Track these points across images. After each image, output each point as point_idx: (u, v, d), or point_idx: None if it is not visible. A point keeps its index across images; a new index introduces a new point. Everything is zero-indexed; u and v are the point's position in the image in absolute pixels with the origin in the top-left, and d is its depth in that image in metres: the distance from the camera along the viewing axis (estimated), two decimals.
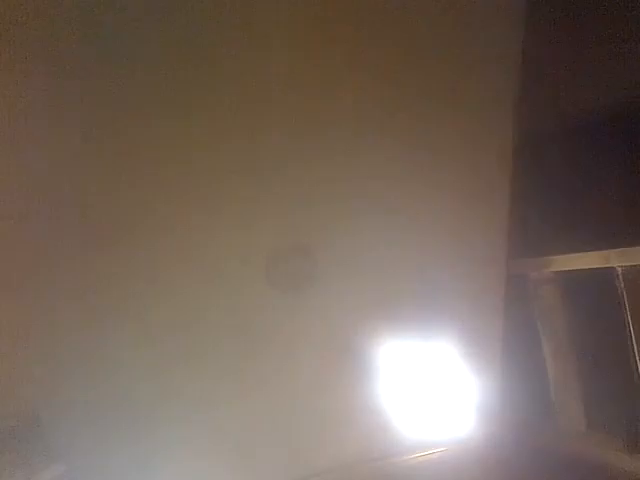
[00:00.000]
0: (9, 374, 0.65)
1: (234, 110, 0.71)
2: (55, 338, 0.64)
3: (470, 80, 0.81)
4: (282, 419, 0.72)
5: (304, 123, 0.75)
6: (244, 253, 0.75)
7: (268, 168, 0.74)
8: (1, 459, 0.60)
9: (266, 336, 0.74)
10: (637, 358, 0.75)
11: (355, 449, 0.83)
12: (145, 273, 0.68)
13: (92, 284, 0.65)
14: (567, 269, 0.84)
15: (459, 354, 0.88)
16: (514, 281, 0.89)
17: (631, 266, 0.75)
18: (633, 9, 0.72)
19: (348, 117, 0.77)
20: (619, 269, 0.76)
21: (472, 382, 0.90)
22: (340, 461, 0.78)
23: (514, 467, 0.87)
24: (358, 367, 0.83)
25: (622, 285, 0.76)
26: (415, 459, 0.90)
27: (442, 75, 0.79)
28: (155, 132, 0.68)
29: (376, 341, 0.84)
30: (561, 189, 0.86)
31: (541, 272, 0.88)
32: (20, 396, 0.66)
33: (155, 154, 0.69)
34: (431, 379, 0.88)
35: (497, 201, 0.88)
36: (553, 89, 0.83)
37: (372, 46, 0.75)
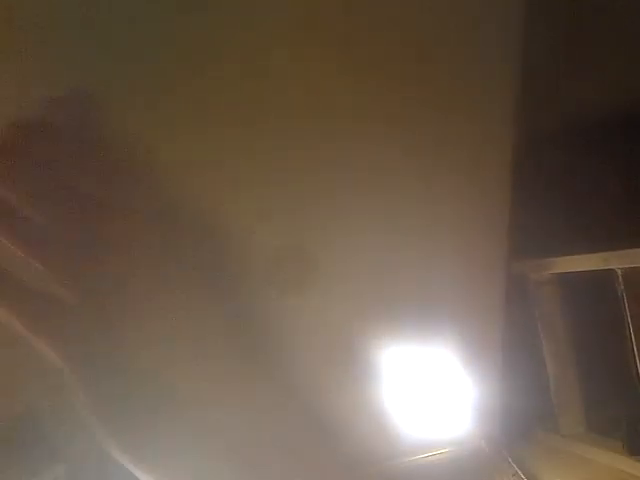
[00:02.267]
0: (7, 374, 0.65)
1: (233, 109, 0.70)
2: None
3: (469, 80, 0.81)
4: (281, 420, 0.71)
5: (305, 124, 0.75)
6: (244, 254, 0.75)
7: (269, 168, 0.74)
8: (0, 460, 0.59)
9: (266, 338, 0.74)
10: (637, 359, 0.75)
11: (355, 451, 0.82)
12: (145, 274, 0.68)
13: (95, 285, 0.65)
14: (567, 271, 0.85)
15: (459, 355, 0.88)
16: (514, 282, 0.89)
17: (631, 268, 0.75)
18: (635, 9, 0.73)
19: (348, 118, 0.77)
20: (619, 271, 0.76)
21: (472, 383, 0.90)
22: (339, 463, 0.78)
23: (514, 468, 0.87)
24: (358, 368, 0.83)
25: (622, 287, 0.76)
26: (415, 461, 0.90)
27: (441, 76, 0.79)
28: (153, 131, 0.67)
29: (376, 342, 0.83)
30: (561, 190, 0.86)
31: (541, 273, 0.89)
32: (19, 396, 0.66)
33: (152, 152, 0.68)
34: (431, 380, 0.88)
35: (497, 202, 0.88)
36: (553, 90, 0.84)
37: (372, 47, 0.75)
